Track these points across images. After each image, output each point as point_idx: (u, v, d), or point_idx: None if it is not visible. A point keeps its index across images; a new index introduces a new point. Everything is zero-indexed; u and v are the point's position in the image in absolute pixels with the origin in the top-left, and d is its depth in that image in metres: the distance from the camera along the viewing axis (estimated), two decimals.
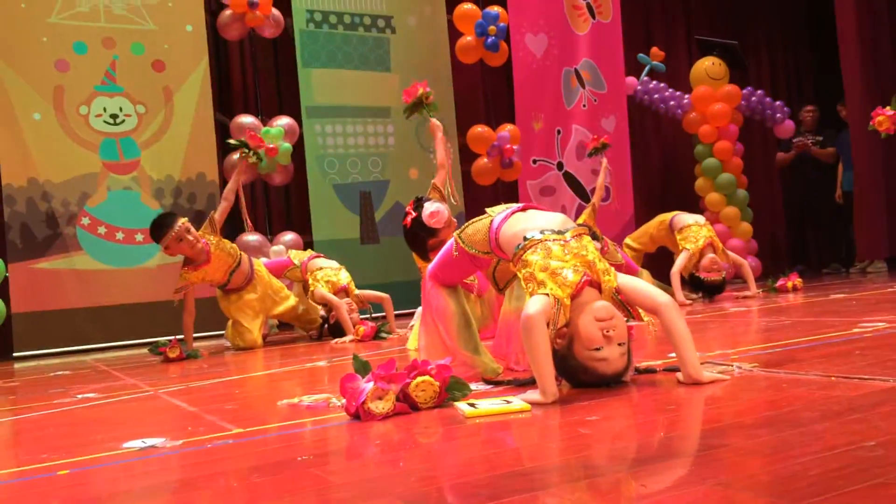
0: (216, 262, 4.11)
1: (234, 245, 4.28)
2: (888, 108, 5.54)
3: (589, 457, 1.29)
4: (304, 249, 5.39)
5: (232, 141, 4.50)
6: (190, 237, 3.97)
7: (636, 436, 1.44)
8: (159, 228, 3.97)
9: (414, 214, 3.20)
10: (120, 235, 5.15)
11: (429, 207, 3.04)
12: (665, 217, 5.37)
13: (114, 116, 5.19)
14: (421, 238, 3.21)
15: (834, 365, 1.95)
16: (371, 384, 1.74)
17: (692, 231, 5.03)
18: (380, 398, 1.73)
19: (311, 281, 4.47)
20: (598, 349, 1.80)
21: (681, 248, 4.98)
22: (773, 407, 1.54)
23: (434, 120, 3.80)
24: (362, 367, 1.82)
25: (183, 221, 3.99)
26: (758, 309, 4.03)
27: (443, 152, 3.64)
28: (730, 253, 5.14)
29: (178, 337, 3.92)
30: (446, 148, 3.69)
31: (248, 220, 4.42)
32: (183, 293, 4.09)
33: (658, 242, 5.41)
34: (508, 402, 1.73)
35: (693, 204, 7.23)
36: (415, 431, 1.60)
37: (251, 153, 4.36)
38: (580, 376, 1.86)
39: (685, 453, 1.28)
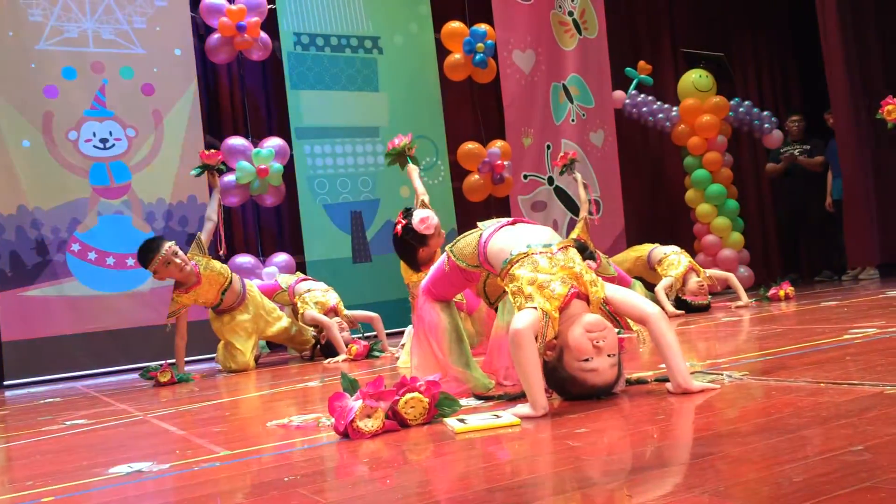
0: (207, 282, 4.10)
1: (223, 265, 4.27)
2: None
3: (580, 469, 1.28)
4: (296, 271, 5.38)
5: (193, 172, 4.49)
6: (178, 260, 3.95)
7: (627, 447, 1.44)
8: (146, 253, 3.96)
9: (404, 222, 3.20)
10: (111, 261, 5.13)
11: (418, 214, 3.05)
12: (641, 252, 5.44)
13: (104, 141, 5.19)
14: (412, 247, 3.21)
15: (823, 371, 1.95)
16: (359, 402, 1.73)
17: (672, 260, 5.13)
18: (368, 416, 1.72)
19: (299, 304, 4.46)
20: (587, 360, 1.79)
21: (664, 276, 5.04)
22: (762, 414, 1.54)
23: (410, 165, 3.92)
24: (350, 386, 1.81)
25: (169, 245, 3.97)
26: (749, 318, 4.03)
27: (421, 185, 3.73)
28: (713, 272, 5.21)
29: (169, 361, 3.89)
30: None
31: (223, 244, 4.41)
32: (175, 317, 4.07)
33: (633, 274, 5.46)
34: (498, 416, 1.72)
35: (684, 215, 7.26)
36: (404, 448, 1.59)
37: (215, 169, 4.36)
38: (570, 388, 1.86)
39: (675, 462, 1.27)
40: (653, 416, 1.65)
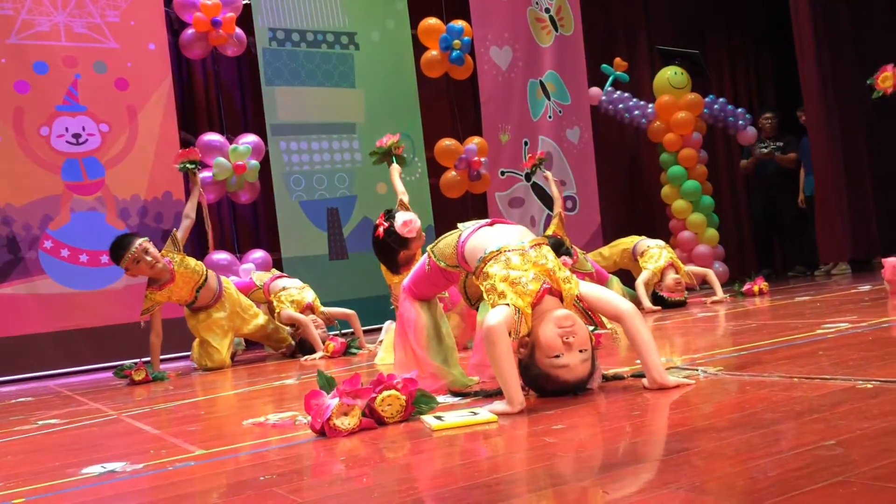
0: (181, 280, 4.06)
1: (199, 262, 4.23)
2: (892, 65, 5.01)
3: (555, 465, 1.29)
4: (272, 268, 5.35)
5: (177, 165, 4.44)
6: (148, 258, 3.91)
7: (602, 443, 1.44)
8: (116, 250, 3.92)
9: (386, 225, 3.20)
10: (84, 258, 5.07)
11: (401, 217, 3.04)
12: (627, 244, 5.49)
13: (76, 136, 5.12)
14: (392, 250, 3.20)
15: (797, 366, 1.97)
16: (336, 400, 1.72)
17: (653, 253, 5.19)
18: (345, 414, 1.71)
19: (275, 302, 4.44)
20: (558, 356, 1.80)
21: (643, 268, 5.10)
22: (736, 409, 1.55)
23: (395, 164, 3.95)
24: (327, 383, 1.80)
25: (140, 242, 3.92)
26: (724, 313, 4.07)
27: (401, 185, 3.78)
28: (691, 268, 5.29)
29: (144, 360, 3.85)
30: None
31: (212, 239, 4.38)
32: (149, 315, 4.03)
33: (620, 266, 5.51)
34: (475, 413, 1.72)
35: (660, 211, 7.31)
36: (381, 446, 1.58)
37: (193, 166, 4.31)
38: (544, 385, 1.86)
39: (650, 458, 1.28)
40: (628, 413, 1.66)
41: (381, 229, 3.14)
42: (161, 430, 2.08)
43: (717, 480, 1.09)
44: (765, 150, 7.36)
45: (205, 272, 4.18)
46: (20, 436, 2.30)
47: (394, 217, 3.15)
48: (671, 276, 5.00)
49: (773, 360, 2.14)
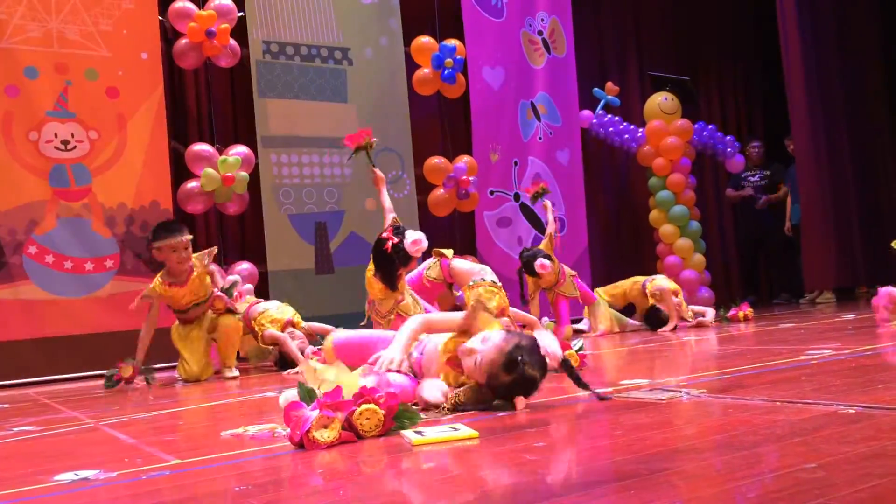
0: (189, 290, 4.07)
1: (211, 285, 4.22)
2: None
3: (535, 482, 1.27)
4: (257, 280, 5.34)
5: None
6: (184, 254, 3.99)
7: (583, 460, 1.43)
8: (163, 230, 4.01)
9: (395, 240, 3.19)
10: (68, 264, 5.01)
11: (411, 235, 3.05)
12: (640, 279, 5.48)
13: (65, 142, 5.09)
14: (395, 265, 3.20)
15: (780, 390, 1.97)
16: (316, 412, 1.70)
17: (661, 278, 5.33)
18: (325, 426, 1.69)
19: (256, 327, 4.44)
20: (475, 356, 1.97)
21: (652, 290, 5.15)
22: (718, 431, 1.55)
23: (378, 172, 3.94)
24: (308, 395, 1.78)
25: (188, 237, 4.04)
26: (709, 338, 4.07)
27: (389, 201, 3.79)
28: (694, 307, 5.33)
29: (129, 360, 3.88)
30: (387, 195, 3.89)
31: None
32: (147, 302, 4.04)
33: (629, 299, 5.52)
34: (456, 429, 1.71)
35: (647, 236, 7.33)
36: (359, 460, 1.56)
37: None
38: (500, 387, 1.97)
39: (631, 476, 1.27)
40: (609, 432, 1.65)
41: (389, 244, 3.13)
42: (138, 440, 2.04)
43: (699, 500, 1.09)
44: (754, 184, 7.44)
45: (208, 296, 4.16)
46: None
47: (404, 234, 3.15)
48: (674, 300, 5.05)
49: (756, 383, 2.14)
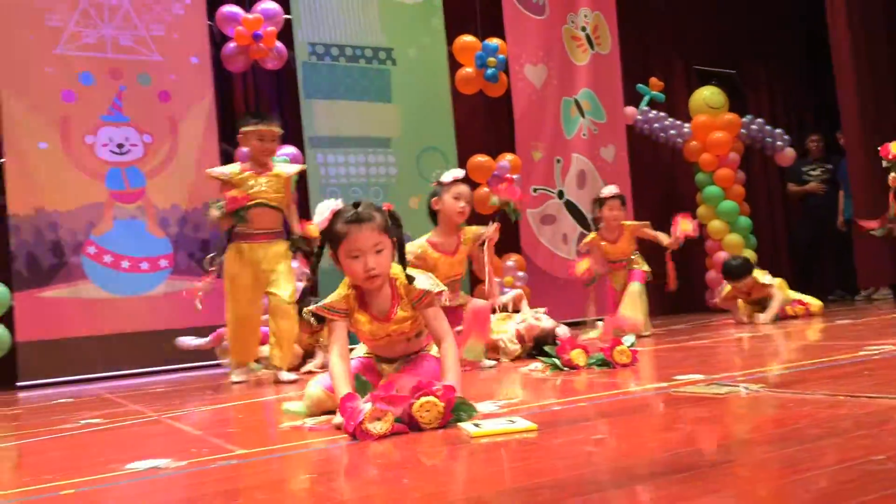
0: (259, 209, 3.76)
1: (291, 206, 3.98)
2: None
3: (597, 473, 1.28)
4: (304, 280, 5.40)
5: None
6: (269, 145, 3.79)
7: (644, 452, 1.43)
8: (254, 116, 3.86)
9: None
10: (125, 264, 5.16)
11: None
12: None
13: (120, 146, 5.23)
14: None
15: (841, 385, 1.94)
16: (369, 405, 1.73)
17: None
18: (378, 419, 1.73)
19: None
20: None
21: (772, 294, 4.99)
22: (780, 425, 1.54)
23: (490, 230, 3.74)
24: (362, 387, 1.81)
25: (279, 130, 3.87)
26: (764, 334, 4.02)
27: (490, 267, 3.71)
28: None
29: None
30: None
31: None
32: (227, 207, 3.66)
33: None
34: (513, 422, 1.72)
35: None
36: (418, 451, 1.59)
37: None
38: None
39: (693, 468, 1.27)
40: (669, 425, 1.65)
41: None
42: (202, 431, 2.10)
43: (764, 490, 1.09)
44: (816, 178, 7.32)
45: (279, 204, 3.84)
46: (64, 433, 2.35)
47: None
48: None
49: (816, 378, 2.11)
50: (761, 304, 5.09)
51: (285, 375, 3.61)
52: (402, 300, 2.08)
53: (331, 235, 2.02)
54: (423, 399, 1.77)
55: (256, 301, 3.82)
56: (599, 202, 4.90)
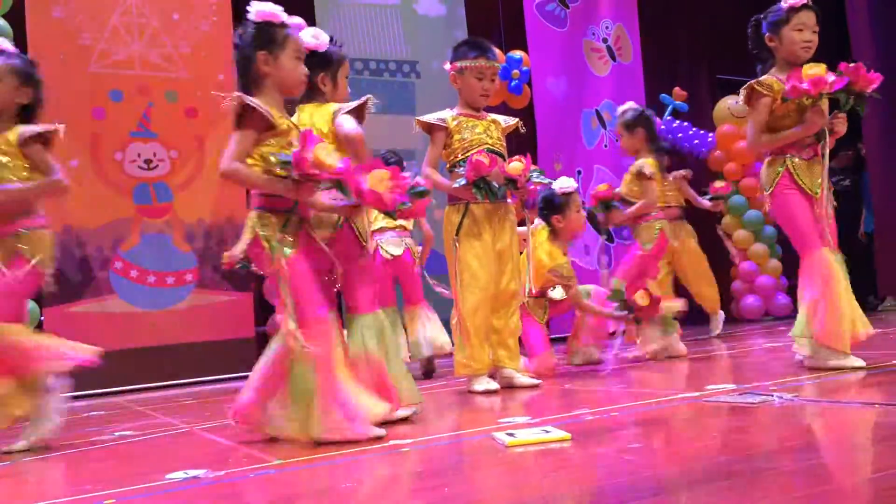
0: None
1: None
2: None
3: (636, 481, 1.28)
4: None
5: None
6: (488, 85, 3.22)
7: (683, 460, 1.43)
8: (470, 46, 3.22)
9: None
10: (151, 279, 5.22)
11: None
12: None
13: (147, 162, 5.31)
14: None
15: (876, 394, 1.92)
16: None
17: None
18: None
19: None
20: None
21: None
22: (817, 433, 1.53)
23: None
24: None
25: (499, 65, 3.37)
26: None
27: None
28: None
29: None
30: None
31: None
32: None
33: None
34: (548, 431, 1.72)
35: (720, 242, 7.19)
36: (455, 459, 1.60)
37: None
38: None
39: (735, 476, 1.27)
40: (704, 433, 1.64)
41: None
42: (234, 442, 2.12)
43: (804, 498, 1.08)
44: (844, 188, 7.25)
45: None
46: (99, 445, 2.38)
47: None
48: None
49: (849, 387, 2.09)
50: None
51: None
52: None
53: None
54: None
55: None
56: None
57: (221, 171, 2.01)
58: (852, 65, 2.59)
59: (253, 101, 2.00)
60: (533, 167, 3.24)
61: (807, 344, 2.53)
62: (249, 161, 2.03)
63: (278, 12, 2.13)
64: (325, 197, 2.10)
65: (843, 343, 2.43)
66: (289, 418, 1.91)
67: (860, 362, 2.43)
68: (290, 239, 2.02)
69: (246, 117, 2.00)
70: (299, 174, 1.95)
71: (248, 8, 2.16)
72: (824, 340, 2.44)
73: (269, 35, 2.10)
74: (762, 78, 2.72)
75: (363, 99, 2.44)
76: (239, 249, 2.05)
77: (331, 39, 2.55)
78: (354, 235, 2.31)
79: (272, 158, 2.00)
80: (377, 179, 1.99)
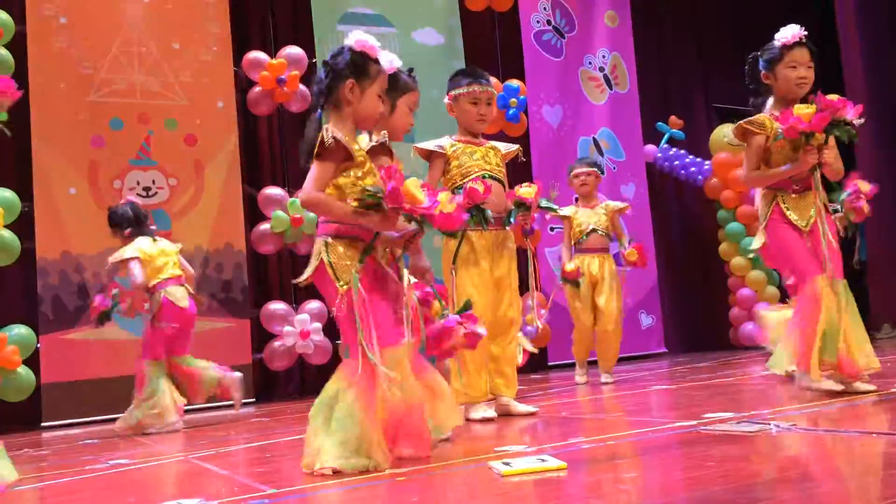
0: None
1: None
2: None
3: None
4: (326, 320, 5.45)
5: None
6: (485, 111, 3.19)
7: (679, 490, 1.42)
8: (465, 75, 3.27)
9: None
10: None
11: None
12: None
13: (146, 189, 5.33)
14: None
15: (873, 423, 1.92)
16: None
17: None
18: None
19: None
20: None
21: None
22: (815, 462, 1.52)
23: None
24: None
25: (494, 92, 3.30)
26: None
27: None
28: None
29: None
30: None
31: None
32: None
33: None
34: (543, 460, 1.71)
35: (718, 269, 7.20)
36: (451, 490, 1.59)
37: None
38: None
39: None
40: (701, 463, 1.63)
41: None
42: (229, 471, 2.11)
43: None
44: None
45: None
46: (93, 474, 2.36)
47: None
48: None
49: (847, 416, 2.09)
50: None
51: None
52: None
53: None
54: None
55: None
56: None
57: (304, 199, 2.03)
58: (828, 96, 2.63)
59: (340, 136, 2.01)
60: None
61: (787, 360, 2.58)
62: (327, 191, 2.04)
63: (377, 47, 2.16)
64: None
65: (812, 370, 2.45)
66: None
67: (836, 387, 2.46)
68: (360, 265, 2.01)
69: (330, 149, 2.02)
70: (391, 207, 1.95)
71: (346, 35, 2.21)
72: (796, 363, 2.50)
73: (363, 66, 2.13)
74: (754, 117, 2.77)
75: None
76: (305, 275, 2.05)
77: (409, 71, 2.60)
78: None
79: (367, 190, 1.99)
80: (445, 201, 2.00)
